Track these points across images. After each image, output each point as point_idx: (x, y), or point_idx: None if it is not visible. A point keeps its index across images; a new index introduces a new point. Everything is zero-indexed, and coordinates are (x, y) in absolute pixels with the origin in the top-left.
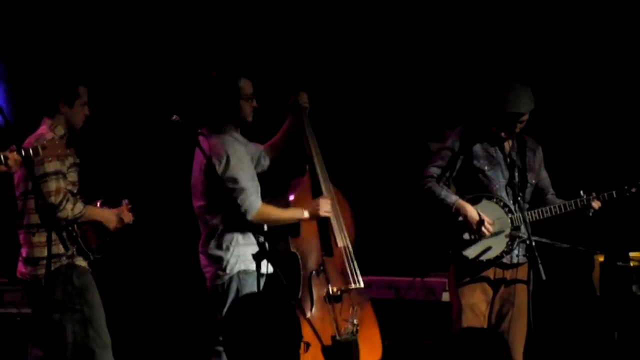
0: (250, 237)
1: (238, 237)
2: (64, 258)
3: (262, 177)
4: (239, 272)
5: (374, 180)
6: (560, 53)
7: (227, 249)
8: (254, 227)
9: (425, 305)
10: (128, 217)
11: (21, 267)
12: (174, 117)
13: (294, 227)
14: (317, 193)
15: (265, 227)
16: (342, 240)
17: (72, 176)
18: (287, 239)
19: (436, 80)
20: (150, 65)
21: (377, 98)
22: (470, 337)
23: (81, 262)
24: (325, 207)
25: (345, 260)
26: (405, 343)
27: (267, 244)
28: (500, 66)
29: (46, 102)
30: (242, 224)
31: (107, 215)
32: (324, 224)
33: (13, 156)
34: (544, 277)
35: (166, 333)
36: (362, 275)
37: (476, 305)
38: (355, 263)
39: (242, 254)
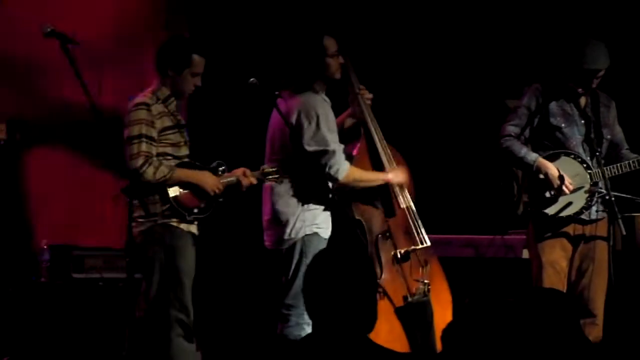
0: (316, 203)
1: (305, 201)
2: (159, 218)
3: None
4: (303, 237)
5: (453, 138)
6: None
7: (294, 212)
8: (320, 192)
9: (505, 263)
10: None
11: None
12: (252, 79)
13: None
14: (375, 160)
15: (330, 195)
16: (404, 201)
17: (172, 138)
18: (350, 206)
19: (513, 37)
20: (230, 29)
21: (455, 54)
22: (547, 296)
23: (177, 223)
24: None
25: (409, 220)
26: (486, 301)
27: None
28: (576, 22)
29: (158, 62)
30: (311, 187)
31: (201, 177)
32: (384, 188)
33: None
34: (624, 232)
35: (230, 298)
36: (441, 234)
37: (556, 261)
38: (419, 222)
39: (307, 219)
